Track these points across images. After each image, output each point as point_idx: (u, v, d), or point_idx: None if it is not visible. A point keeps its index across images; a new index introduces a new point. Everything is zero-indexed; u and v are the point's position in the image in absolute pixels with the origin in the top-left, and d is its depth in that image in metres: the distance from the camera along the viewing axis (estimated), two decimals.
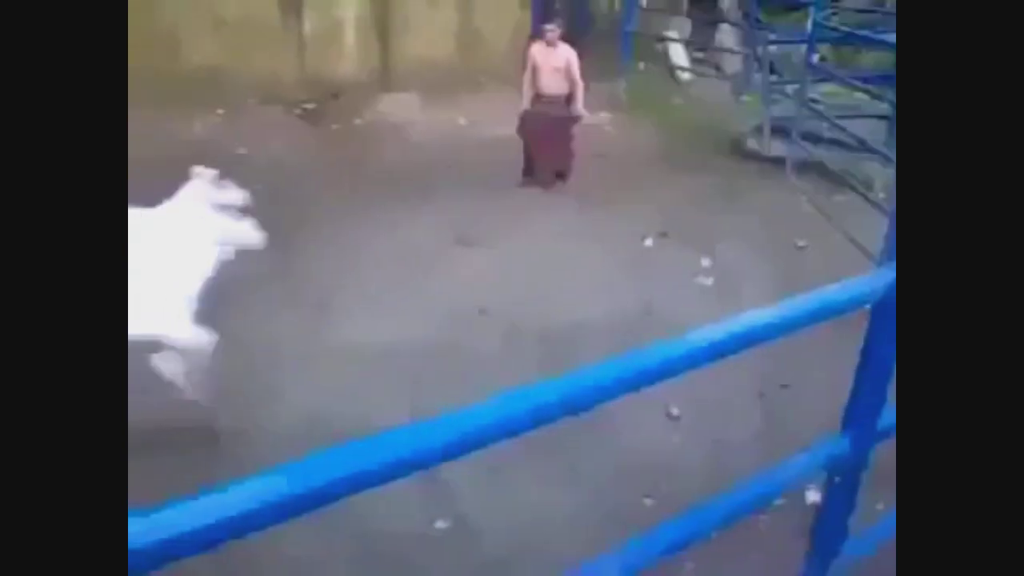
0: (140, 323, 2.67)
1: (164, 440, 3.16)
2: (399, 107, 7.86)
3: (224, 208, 3.50)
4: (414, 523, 3.08)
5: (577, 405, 1.20)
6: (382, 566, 2.92)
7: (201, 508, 0.89)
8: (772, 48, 8.72)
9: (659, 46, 10.04)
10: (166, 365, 3.36)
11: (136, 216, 2.68)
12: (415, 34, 8.32)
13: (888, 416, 1.59)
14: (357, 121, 7.68)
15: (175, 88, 7.01)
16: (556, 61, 6.32)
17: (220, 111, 7.25)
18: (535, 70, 6.33)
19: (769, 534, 2.93)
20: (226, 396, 3.57)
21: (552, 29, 6.36)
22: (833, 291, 1.43)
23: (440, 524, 3.13)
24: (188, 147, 6.47)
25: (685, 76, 9.75)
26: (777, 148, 7.10)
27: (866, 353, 1.55)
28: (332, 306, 4.58)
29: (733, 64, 9.92)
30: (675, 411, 3.86)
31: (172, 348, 3.34)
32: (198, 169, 3.58)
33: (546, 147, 6.40)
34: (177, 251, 3.32)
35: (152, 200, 3.44)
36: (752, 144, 7.41)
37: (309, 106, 7.68)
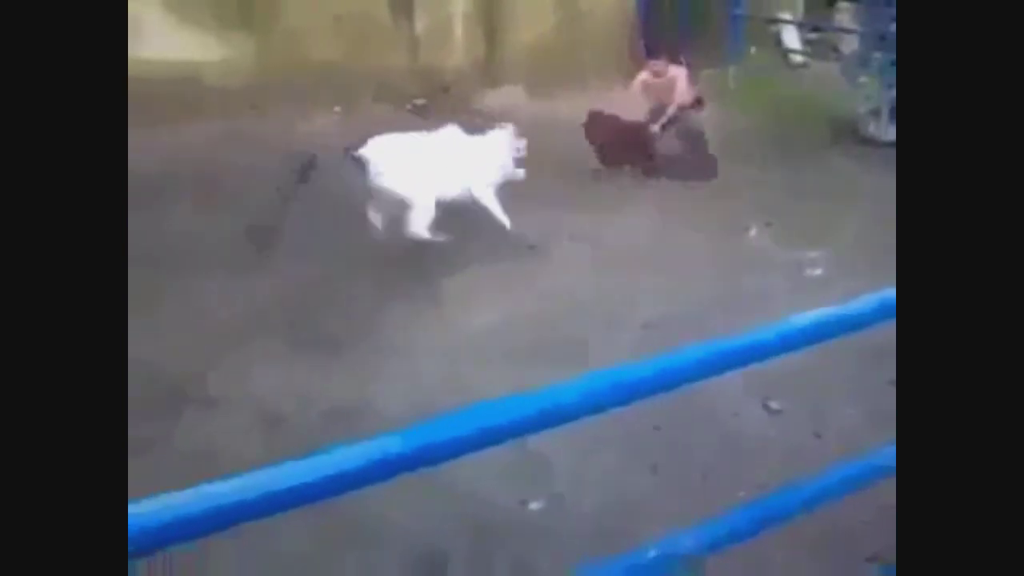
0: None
1: None
2: (506, 99, 8.02)
3: None
4: (509, 502, 3.22)
5: (661, 385, 1.27)
6: (477, 542, 3.06)
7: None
8: (894, 26, 8.22)
9: (772, 28, 9.69)
10: None
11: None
12: (522, 26, 8.45)
13: None
14: (464, 115, 7.89)
15: (296, 85, 7.47)
16: (663, 94, 6.44)
17: (337, 108, 7.65)
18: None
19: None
20: None
21: (658, 66, 6.44)
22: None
23: (534, 505, 3.25)
24: (306, 144, 6.91)
25: (799, 59, 9.36)
26: (896, 133, 6.73)
27: None
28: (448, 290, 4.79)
29: (851, 45, 9.43)
30: (775, 404, 3.80)
31: None
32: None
33: (616, 153, 6.47)
34: None
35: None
36: (870, 129, 7.06)
37: (419, 102, 7.97)
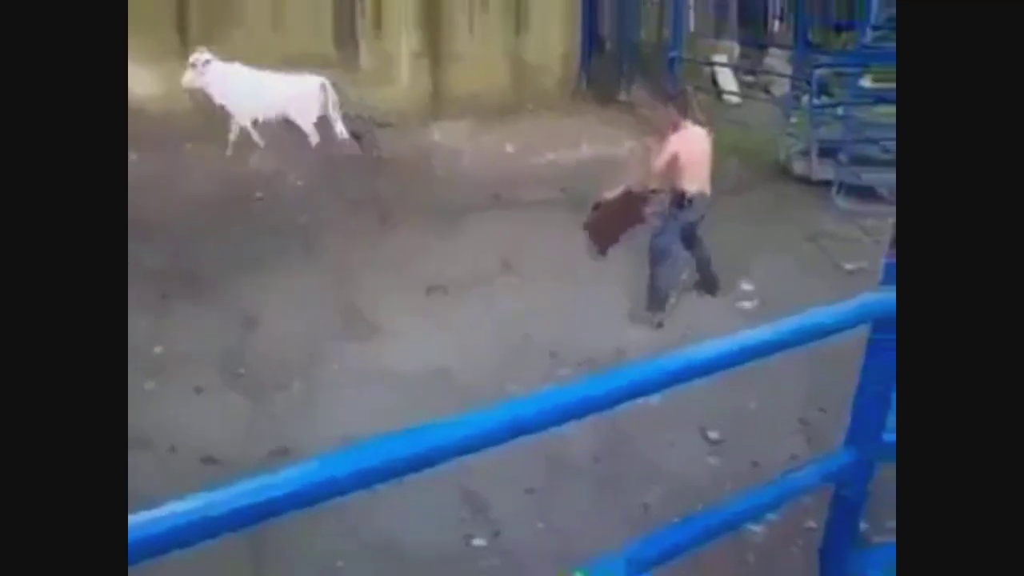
0: None
1: None
2: (449, 135, 8.09)
3: None
4: (453, 539, 3.18)
5: (580, 410, 1.28)
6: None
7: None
8: (823, 71, 8.64)
9: (707, 70, 10.07)
10: None
11: None
12: (465, 65, 8.58)
13: (891, 432, 1.62)
14: (408, 149, 7.93)
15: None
16: (705, 149, 4.96)
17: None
18: (678, 165, 4.81)
19: (768, 551, 2.94)
20: None
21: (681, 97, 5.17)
22: (835, 310, 1.48)
23: (477, 542, 3.22)
24: (244, 178, 6.84)
25: (733, 100, 9.73)
26: (825, 171, 7.03)
27: (867, 368, 1.60)
28: (380, 327, 4.74)
29: (783, 87, 9.86)
30: (713, 435, 3.87)
31: None
32: None
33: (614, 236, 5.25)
34: None
35: None
36: (799, 167, 7.36)
37: (360, 134, 7.98)
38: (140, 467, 3.52)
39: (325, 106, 7.31)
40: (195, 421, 3.87)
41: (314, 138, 7.29)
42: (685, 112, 4.92)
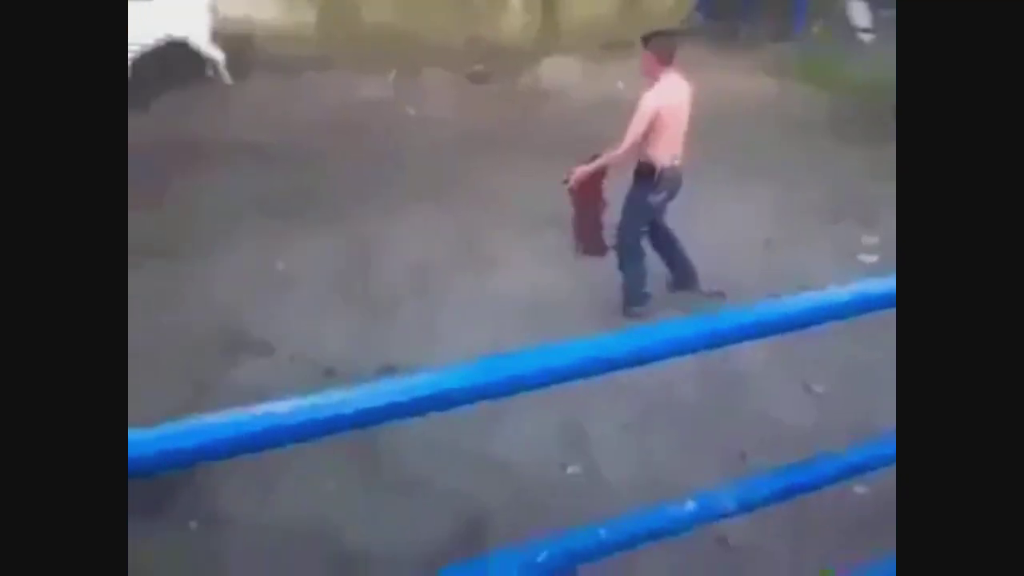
0: None
1: None
2: (560, 70, 7.97)
3: None
4: (548, 464, 3.31)
5: (647, 357, 1.29)
6: (518, 503, 3.16)
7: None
8: None
9: (839, 4, 9.38)
10: None
11: None
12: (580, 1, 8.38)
13: None
14: (519, 83, 7.88)
15: (355, 51, 7.56)
16: (685, 103, 4.00)
17: (395, 73, 7.72)
18: (657, 129, 3.92)
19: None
20: None
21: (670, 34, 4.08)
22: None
23: (572, 469, 3.34)
24: (361, 106, 7.01)
25: (868, 38, 9.05)
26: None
27: None
28: (492, 258, 4.85)
29: None
30: (818, 388, 3.79)
31: None
32: None
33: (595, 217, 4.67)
34: None
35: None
36: None
37: (476, 68, 7.98)
38: (261, 372, 3.84)
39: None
40: (312, 335, 4.13)
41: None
42: (667, 57, 3.88)
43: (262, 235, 4.98)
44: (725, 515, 1.36)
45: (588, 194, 4.47)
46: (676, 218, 4.45)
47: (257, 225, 5.08)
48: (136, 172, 6.11)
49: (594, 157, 4.28)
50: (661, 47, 3.90)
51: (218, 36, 7.28)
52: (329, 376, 3.79)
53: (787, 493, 1.47)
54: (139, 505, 2.87)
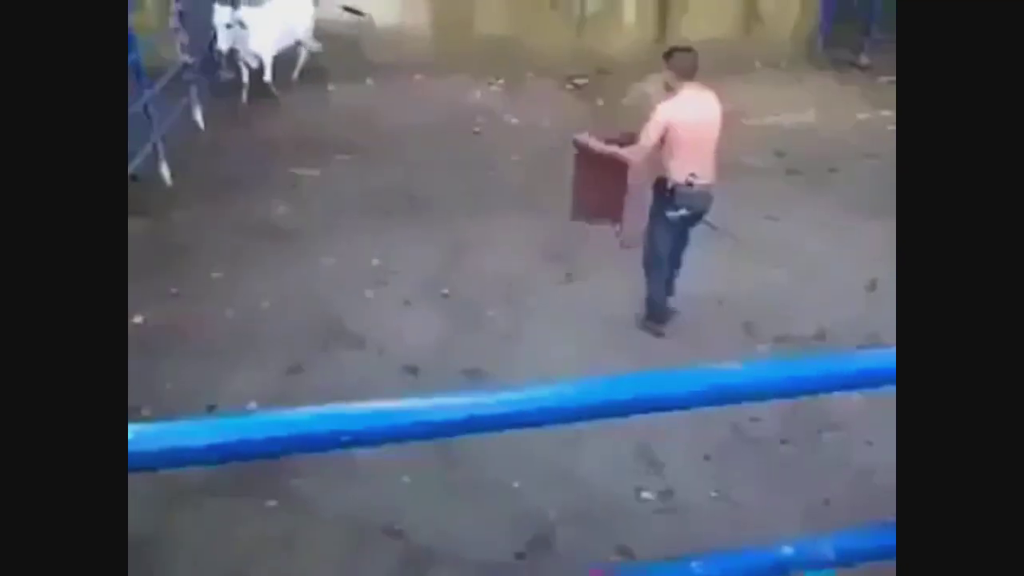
0: None
1: None
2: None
3: None
4: (624, 487, 3.26)
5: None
6: (589, 521, 3.13)
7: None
8: None
9: None
10: None
11: None
12: (694, 15, 8.24)
13: None
14: (624, 99, 7.83)
15: (464, 58, 7.71)
16: (710, 120, 3.95)
17: (500, 81, 7.82)
18: (672, 142, 3.88)
19: None
20: None
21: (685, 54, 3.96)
22: None
23: (646, 495, 3.27)
24: (464, 112, 7.14)
25: None
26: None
27: None
28: (578, 272, 4.84)
29: None
30: None
31: None
32: None
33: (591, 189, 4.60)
34: None
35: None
36: None
37: (580, 81, 7.99)
38: (350, 363, 3.95)
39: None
40: (401, 332, 4.22)
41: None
42: (687, 72, 3.86)
43: (361, 232, 5.13)
44: (824, 564, 1.30)
45: (597, 171, 4.41)
46: (780, 251, 4.32)
47: (358, 222, 5.24)
48: (261, 162, 6.40)
49: (611, 141, 4.30)
50: (681, 63, 3.95)
51: (326, 37, 7.61)
52: (412, 374, 3.87)
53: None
54: (223, 479, 3.05)
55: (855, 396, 3.15)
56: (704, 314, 4.41)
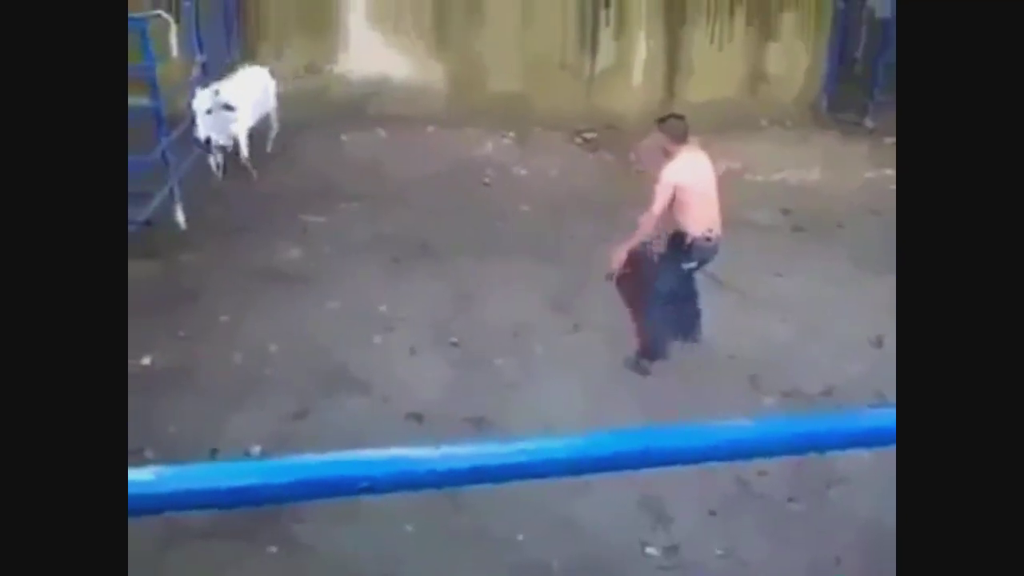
0: None
1: None
2: None
3: None
4: (628, 542, 3.21)
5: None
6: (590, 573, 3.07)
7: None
8: None
9: None
10: None
11: None
12: (701, 76, 8.44)
13: None
14: (632, 154, 7.96)
15: (477, 113, 7.89)
16: (708, 178, 4.20)
17: (511, 134, 7.98)
18: (682, 201, 4.09)
19: None
20: None
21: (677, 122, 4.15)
22: None
23: (650, 550, 3.22)
24: (475, 163, 7.27)
25: None
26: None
27: None
28: (585, 322, 4.85)
29: None
30: None
31: None
32: None
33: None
34: None
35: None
36: None
37: (589, 135, 8.14)
38: (357, 411, 3.93)
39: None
40: (406, 379, 4.22)
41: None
42: (679, 137, 4.10)
43: (369, 278, 5.18)
44: None
45: (634, 282, 4.33)
46: (786, 306, 4.32)
47: (365, 268, 5.30)
48: (273, 211, 6.46)
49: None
50: (673, 128, 4.17)
51: (348, 87, 7.75)
52: (416, 421, 3.85)
53: None
54: (224, 523, 3.01)
55: (864, 454, 3.11)
56: (711, 367, 4.40)
